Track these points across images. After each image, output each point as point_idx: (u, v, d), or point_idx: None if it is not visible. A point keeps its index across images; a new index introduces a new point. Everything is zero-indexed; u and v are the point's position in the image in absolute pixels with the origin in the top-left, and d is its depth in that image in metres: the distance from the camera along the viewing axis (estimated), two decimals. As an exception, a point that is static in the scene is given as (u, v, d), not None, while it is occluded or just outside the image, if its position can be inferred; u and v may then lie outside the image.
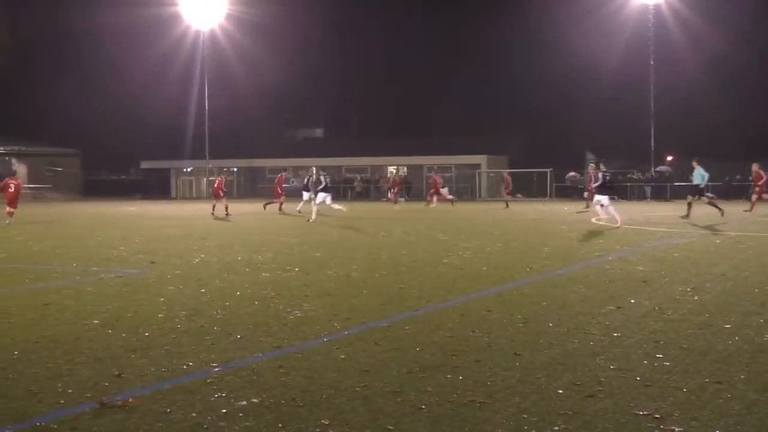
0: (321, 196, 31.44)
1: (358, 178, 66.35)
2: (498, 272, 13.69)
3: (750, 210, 33.13)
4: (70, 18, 77.41)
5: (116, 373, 6.88)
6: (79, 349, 7.80)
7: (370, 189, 65.90)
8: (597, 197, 26.41)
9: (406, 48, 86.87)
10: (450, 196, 44.67)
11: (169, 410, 5.81)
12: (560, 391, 6.23)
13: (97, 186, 76.69)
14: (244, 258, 16.11)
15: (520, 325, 8.86)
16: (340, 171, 69.72)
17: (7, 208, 30.95)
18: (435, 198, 43.56)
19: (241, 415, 5.71)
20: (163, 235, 23.29)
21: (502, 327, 8.73)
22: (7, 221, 30.18)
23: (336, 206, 32.21)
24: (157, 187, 75.20)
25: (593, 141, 65.88)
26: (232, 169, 73.31)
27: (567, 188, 56.73)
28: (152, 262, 15.42)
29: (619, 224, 24.60)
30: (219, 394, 6.22)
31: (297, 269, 14.10)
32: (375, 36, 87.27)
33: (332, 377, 6.68)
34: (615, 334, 8.30)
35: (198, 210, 41.73)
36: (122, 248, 18.64)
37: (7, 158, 73.06)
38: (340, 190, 68.64)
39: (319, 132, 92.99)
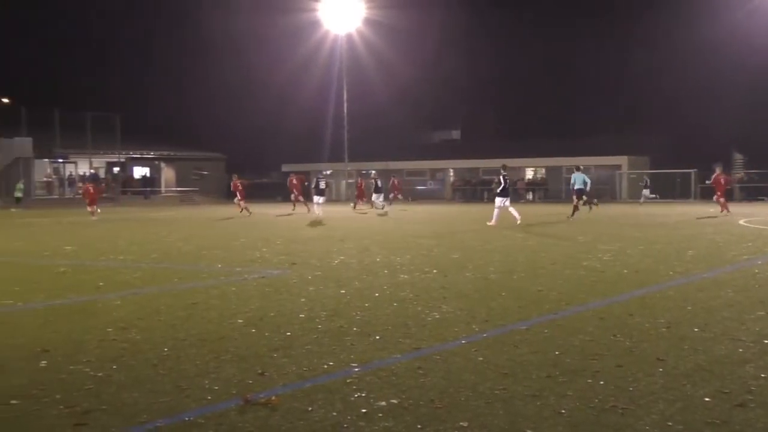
0: (316, 198, 35.97)
1: (496, 180, 65.86)
2: (639, 275, 13.35)
3: (723, 210, 34.53)
4: (215, 27, 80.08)
5: (259, 371, 7.06)
6: (224, 347, 8.04)
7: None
8: (497, 199, 27.40)
9: (544, 48, 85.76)
10: (362, 205, 43.93)
11: (310, 409, 5.92)
12: (707, 399, 6.03)
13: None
14: (383, 260, 16.26)
15: (664, 329, 8.62)
16: (478, 173, 69.38)
17: (88, 208, 37.39)
18: (362, 200, 44.58)
19: (380, 415, 5.76)
20: (303, 236, 23.75)
21: (645, 331, 8.51)
22: (94, 217, 35.82)
23: (317, 209, 35.54)
24: (298, 190, 76.54)
25: (740, 140, 63.41)
26: (370, 172, 74.07)
27: (712, 190, 54.86)
28: (293, 264, 15.74)
29: (492, 222, 26.01)
30: (359, 394, 6.29)
31: (435, 271, 14.13)
32: (512, 36, 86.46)
33: (471, 379, 6.67)
34: (766, 341, 7.97)
35: (337, 212, 42.43)
36: (264, 249, 19.11)
37: (156, 162, 76.18)
38: (476, 191, 68.59)
39: (456, 134, 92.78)
